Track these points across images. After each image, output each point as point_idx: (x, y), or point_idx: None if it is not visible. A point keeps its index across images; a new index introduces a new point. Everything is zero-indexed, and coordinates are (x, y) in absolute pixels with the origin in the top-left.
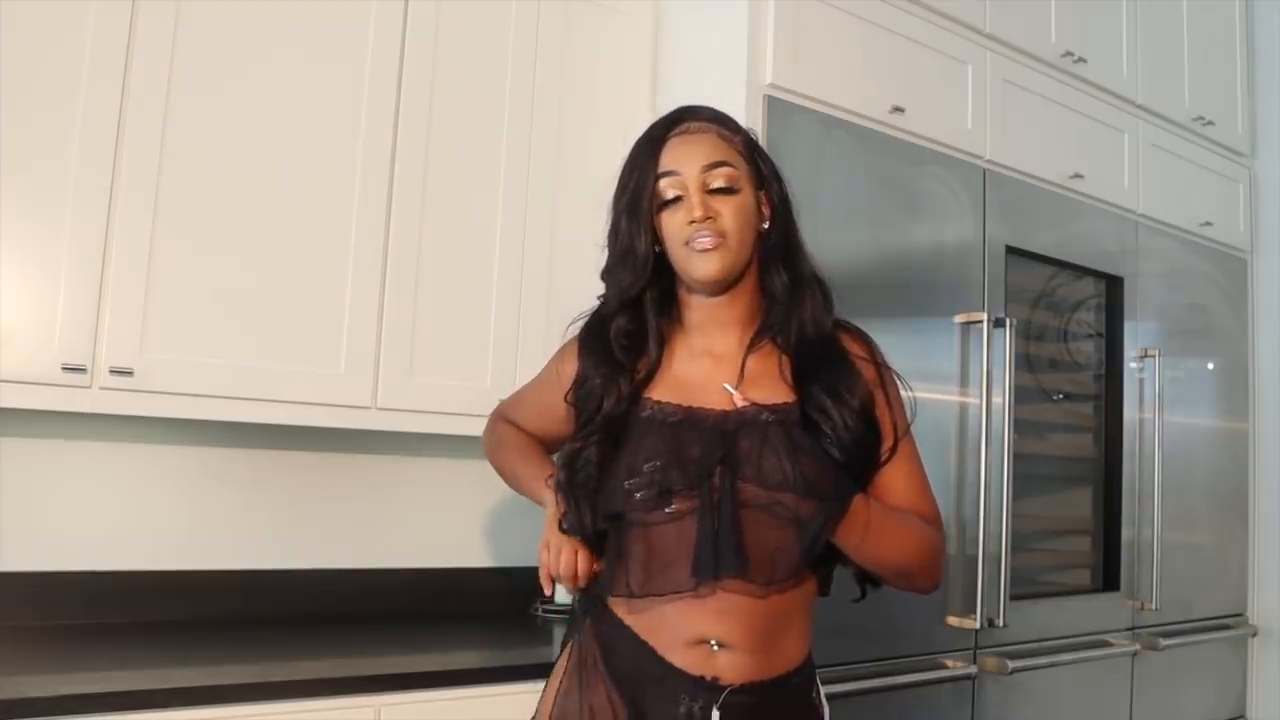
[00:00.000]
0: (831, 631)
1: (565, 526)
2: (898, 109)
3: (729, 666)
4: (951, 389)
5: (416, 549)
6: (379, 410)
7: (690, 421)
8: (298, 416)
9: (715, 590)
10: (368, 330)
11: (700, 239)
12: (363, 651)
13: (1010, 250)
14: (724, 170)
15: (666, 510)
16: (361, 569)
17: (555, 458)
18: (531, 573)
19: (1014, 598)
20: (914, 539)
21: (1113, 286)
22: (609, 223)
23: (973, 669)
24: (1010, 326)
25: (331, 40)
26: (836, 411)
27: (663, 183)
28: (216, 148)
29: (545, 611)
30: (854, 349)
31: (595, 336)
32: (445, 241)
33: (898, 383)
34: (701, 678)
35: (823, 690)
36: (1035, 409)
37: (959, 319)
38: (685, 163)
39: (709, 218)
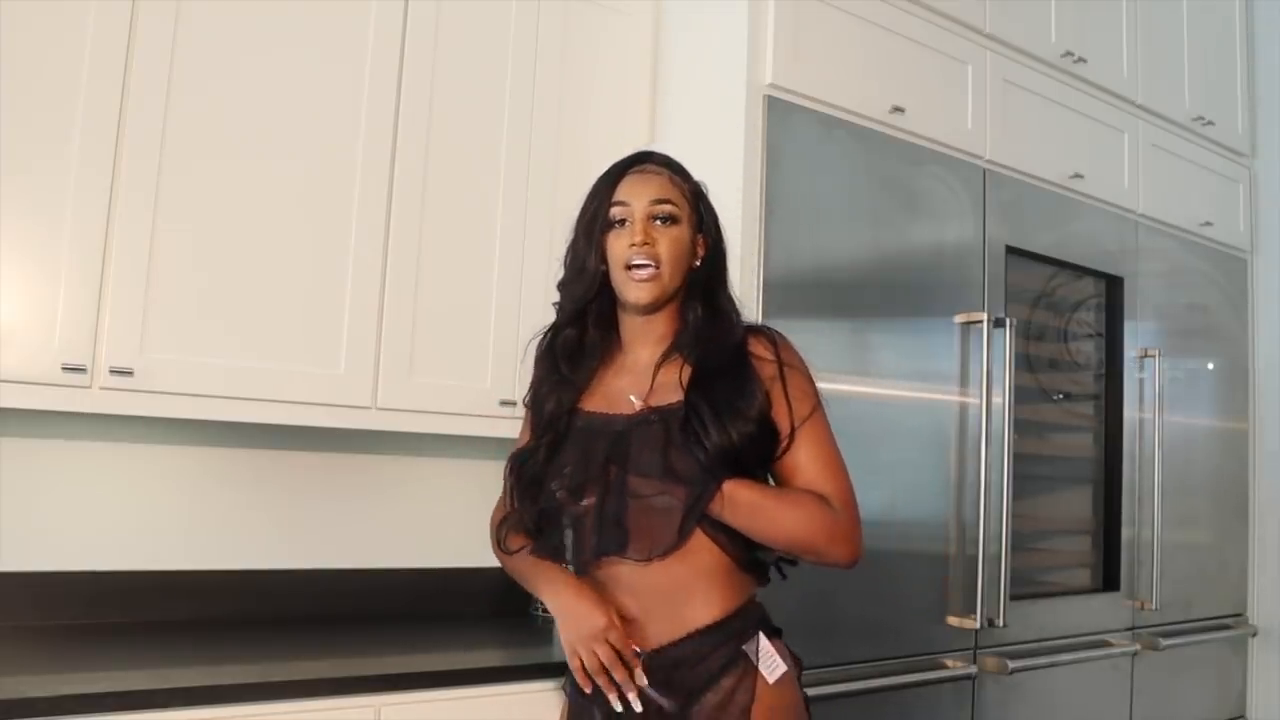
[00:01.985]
0: (832, 631)
1: (512, 524)
2: (898, 109)
3: (642, 636)
4: (951, 389)
5: (416, 549)
6: (379, 410)
7: (601, 428)
8: (298, 416)
9: (613, 565)
10: (368, 330)
11: (638, 268)
12: (363, 651)
13: (1010, 250)
14: (667, 206)
15: (583, 503)
16: (361, 569)
17: (508, 458)
18: None
19: (1014, 598)
20: (801, 515)
21: (1113, 286)
22: (569, 241)
23: (973, 669)
24: (1010, 326)
25: (331, 40)
26: (712, 418)
27: (614, 209)
28: (216, 148)
29: (545, 612)
30: (757, 350)
31: (549, 346)
32: (445, 241)
33: (802, 376)
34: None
35: (767, 653)
36: (1035, 409)
37: (959, 319)
38: (635, 195)
39: (646, 243)
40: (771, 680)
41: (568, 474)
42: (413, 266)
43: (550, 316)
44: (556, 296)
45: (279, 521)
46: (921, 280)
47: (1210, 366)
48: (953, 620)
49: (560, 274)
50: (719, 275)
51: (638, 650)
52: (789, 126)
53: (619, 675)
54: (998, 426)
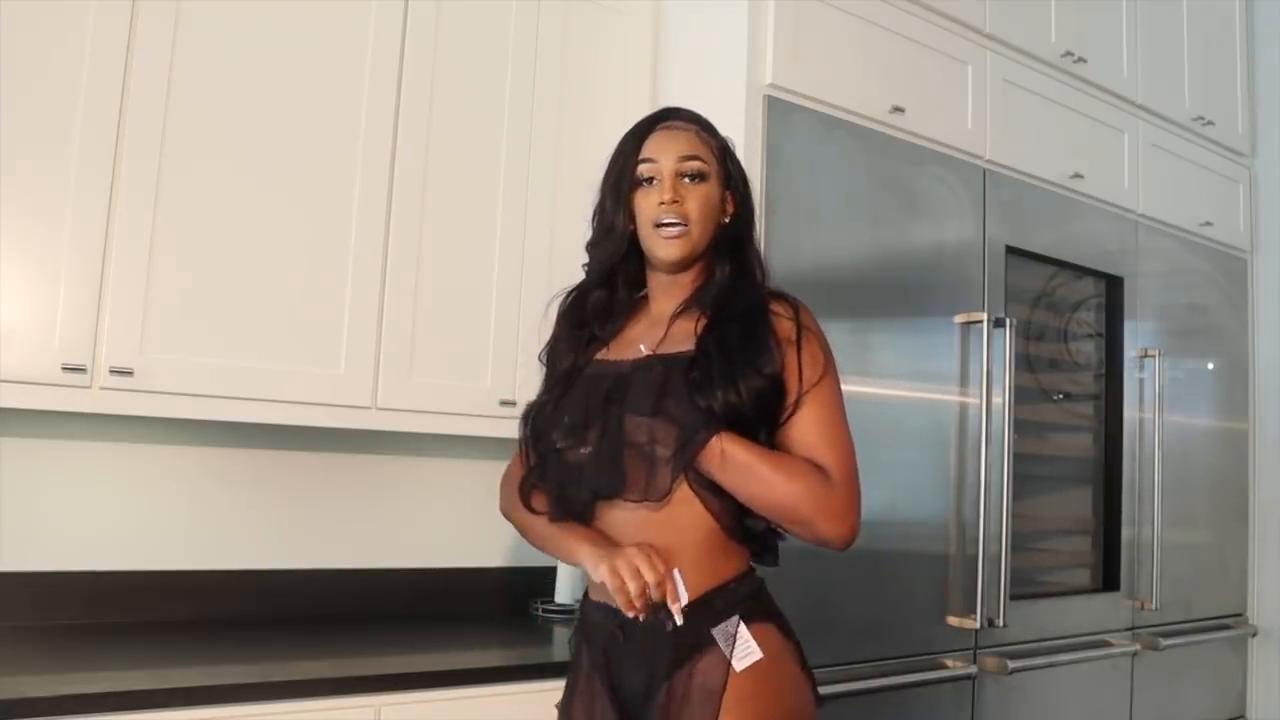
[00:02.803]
0: (832, 631)
1: (534, 481)
2: (898, 109)
3: None
4: (951, 389)
5: (416, 549)
6: (379, 410)
7: (607, 374)
8: (298, 416)
9: (610, 510)
10: (367, 330)
11: (667, 225)
12: (363, 651)
13: (1010, 250)
14: (695, 163)
15: (582, 450)
16: (361, 569)
17: (522, 415)
18: (531, 572)
19: (1014, 598)
20: (794, 484)
21: (1113, 286)
22: (596, 201)
23: (973, 669)
24: (1010, 326)
25: (331, 40)
26: (720, 366)
27: (641, 167)
28: (216, 148)
29: (545, 611)
30: (778, 310)
31: (573, 304)
32: (445, 241)
33: (818, 344)
34: (609, 604)
35: (740, 638)
36: (1035, 409)
37: (959, 319)
38: (663, 152)
39: (675, 201)
40: (739, 668)
41: (567, 420)
42: (413, 266)
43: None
44: (566, 272)
45: (279, 521)
46: (921, 280)
47: (1210, 366)
48: (953, 620)
49: (589, 234)
50: (747, 232)
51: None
52: (789, 126)
53: (669, 590)
54: (998, 426)
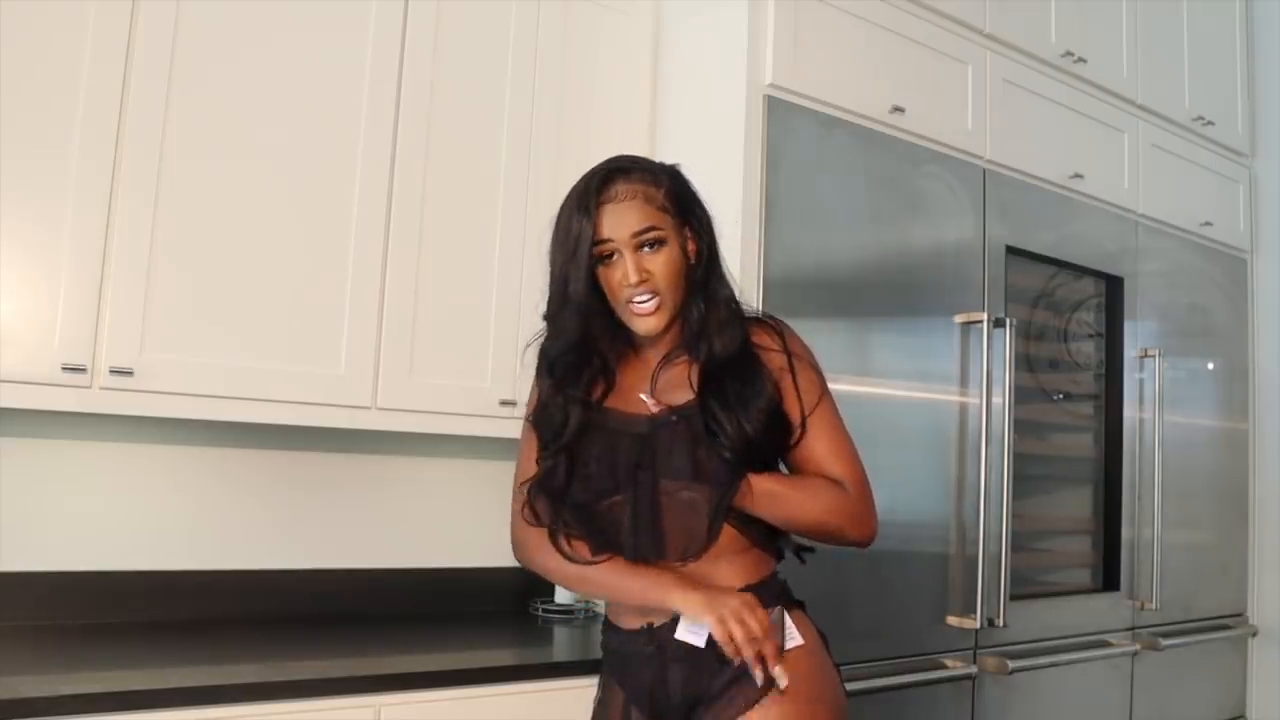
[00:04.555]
0: (832, 631)
1: (567, 535)
2: (898, 109)
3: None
4: (951, 389)
5: (416, 549)
6: (379, 410)
7: (622, 427)
8: (298, 416)
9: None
10: (368, 330)
11: (639, 303)
12: (363, 651)
13: (1010, 250)
14: (652, 233)
15: (605, 503)
16: (361, 569)
17: (530, 486)
18: (530, 572)
19: (1014, 598)
20: (819, 501)
21: (1113, 286)
22: (549, 271)
23: (973, 669)
24: (1010, 326)
25: (331, 40)
26: (726, 415)
27: (599, 247)
28: (216, 149)
29: (545, 611)
30: (763, 341)
31: (547, 370)
32: (445, 241)
33: (809, 366)
34: (639, 627)
35: (790, 624)
36: (1035, 409)
37: (959, 319)
38: (617, 229)
39: (643, 280)
40: (788, 646)
41: (591, 473)
42: (413, 266)
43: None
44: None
45: (279, 521)
46: (921, 280)
47: (1210, 366)
48: (953, 620)
49: (542, 305)
50: (714, 267)
51: (654, 623)
52: (789, 126)
53: (769, 647)
54: (998, 426)
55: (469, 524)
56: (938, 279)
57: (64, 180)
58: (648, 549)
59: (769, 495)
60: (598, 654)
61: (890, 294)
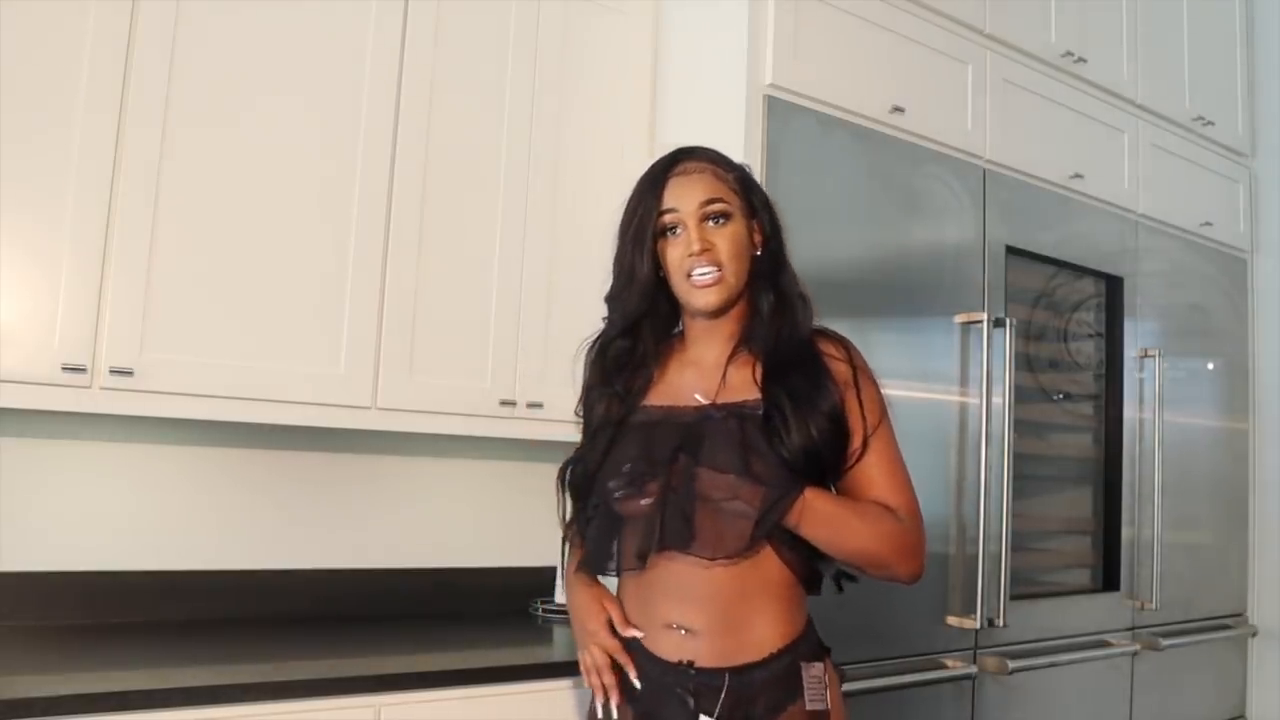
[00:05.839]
0: (832, 632)
1: (577, 530)
2: (898, 109)
3: (700, 651)
4: (951, 389)
5: (416, 549)
6: (379, 410)
7: (667, 421)
8: (298, 416)
9: (672, 563)
10: (368, 330)
11: (700, 275)
12: (363, 651)
13: (1010, 250)
14: (718, 205)
15: (642, 502)
16: (361, 569)
17: (560, 470)
18: (531, 572)
19: (1014, 598)
20: (874, 529)
21: (1113, 286)
22: (614, 251)
23: (973, 669)
24: (1010, 326)
25: (331, 40)
26: (794, 413)
27: (664, 218)
28: (216, 149)
29: (545, 611)
30: (829, 350)
31: (599, 357)
32: (445, 241)
33: (873, 384)
34: (679, 662)
35: (827, 674)
36: (1035, 409)
37: (959, 319)
38: (683, 199)
39: (705, 250)
40: (809, 708)
41: (628, 469)
42: (413, 266)
43: (551, 316)
44: (556, 295)
45: (279, 521)
46: (921, 280)
47: (1210, 366)
48: (953, 620)
49: (608, 285)
50: (781, 259)
51: (695, 664)
52: (789, 126)
53: (606, 679)
54: (998, 426)
55: (469, 524)
56: (938, 279)
57: (64, 180)
58: (674, 538)
59: (824, 514)
60: None
61: (890, 294)
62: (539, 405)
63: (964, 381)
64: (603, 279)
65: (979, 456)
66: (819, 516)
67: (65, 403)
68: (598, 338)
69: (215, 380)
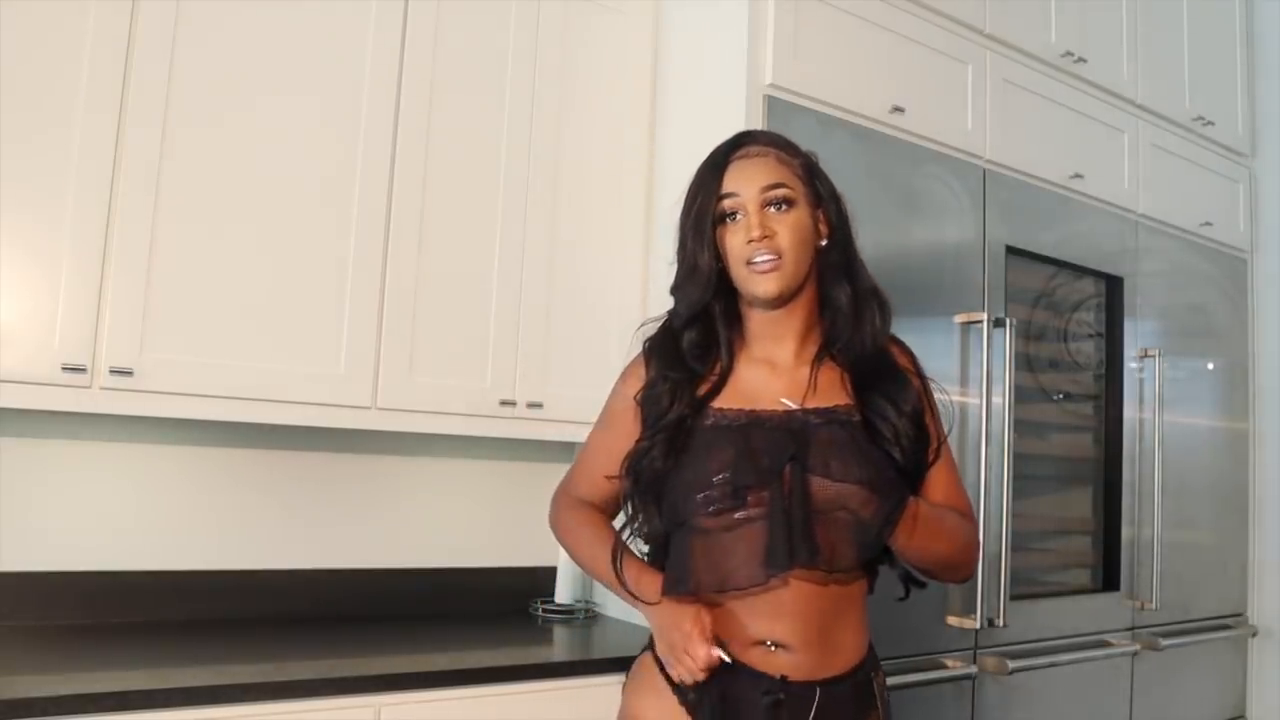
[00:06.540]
0: None
1: (634, 531)
2: (898, 109)
3: (790, 666)
4: (951, 389)
5: (416, 549)
6: (379, 410)
7: (755, 424)
8: (298, 416)
9: (785, 582)
10: (368, 330)
11: (759, 260)
12: (363, 651)
13: (1010, 250)
14: (781, 190)
15: (738, 515)
16: (361, 569)
17: (622, 463)
18: (531, 572)
19: (1014, 598)
20: (956, 532)
21: (1113, 286)
22: (676, 241)
23: (973, 669)
24: (1010, 326)
25: (332, 40)
26: (896, 418)
27: (724, 203)
28: (216, 149)
29: (545, 611)
30: (903, 362)
31: (666, 344)
32: (445, 241)
33: (933, 392)
34: (770, 675)
35: (885, 682)
36: (1035, 409)
37: (959, 319)
38: (744, 184)
39: (766, 236)
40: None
41: (721, 479)
42: (413, 266)
43: (551, 316)
44: (556, 295)
45: (279, 521)
46: (921, 280)
47: (1210, 366)
48: (953, 620)
49: (672, 276)
50: (851, 251)
51: (789, 678)
52: (789, 126)
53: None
54: (998, 426)
55: (469, 524)
56: (938, 279)
57: (64, 180)
58: (804, 555)
59: (924, 519)
60: (597, 654)
61: (890, 294)
62: (539, 405)
63: (964, 381)
64: (603, 280)
65: (979, 456)
66: (924, 521)
67: (65, 403)
68: (661, 326)
69: (215, 380)
